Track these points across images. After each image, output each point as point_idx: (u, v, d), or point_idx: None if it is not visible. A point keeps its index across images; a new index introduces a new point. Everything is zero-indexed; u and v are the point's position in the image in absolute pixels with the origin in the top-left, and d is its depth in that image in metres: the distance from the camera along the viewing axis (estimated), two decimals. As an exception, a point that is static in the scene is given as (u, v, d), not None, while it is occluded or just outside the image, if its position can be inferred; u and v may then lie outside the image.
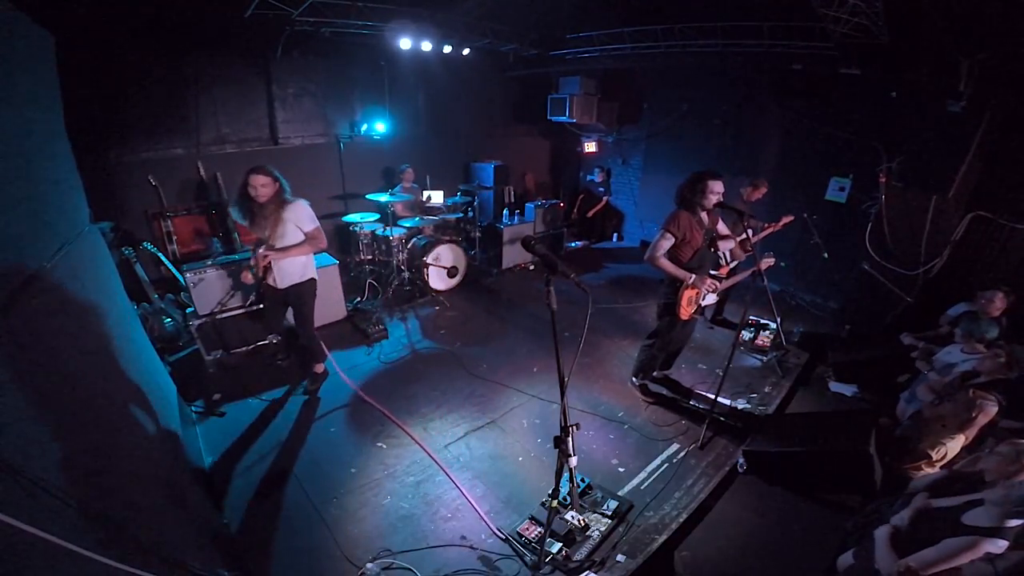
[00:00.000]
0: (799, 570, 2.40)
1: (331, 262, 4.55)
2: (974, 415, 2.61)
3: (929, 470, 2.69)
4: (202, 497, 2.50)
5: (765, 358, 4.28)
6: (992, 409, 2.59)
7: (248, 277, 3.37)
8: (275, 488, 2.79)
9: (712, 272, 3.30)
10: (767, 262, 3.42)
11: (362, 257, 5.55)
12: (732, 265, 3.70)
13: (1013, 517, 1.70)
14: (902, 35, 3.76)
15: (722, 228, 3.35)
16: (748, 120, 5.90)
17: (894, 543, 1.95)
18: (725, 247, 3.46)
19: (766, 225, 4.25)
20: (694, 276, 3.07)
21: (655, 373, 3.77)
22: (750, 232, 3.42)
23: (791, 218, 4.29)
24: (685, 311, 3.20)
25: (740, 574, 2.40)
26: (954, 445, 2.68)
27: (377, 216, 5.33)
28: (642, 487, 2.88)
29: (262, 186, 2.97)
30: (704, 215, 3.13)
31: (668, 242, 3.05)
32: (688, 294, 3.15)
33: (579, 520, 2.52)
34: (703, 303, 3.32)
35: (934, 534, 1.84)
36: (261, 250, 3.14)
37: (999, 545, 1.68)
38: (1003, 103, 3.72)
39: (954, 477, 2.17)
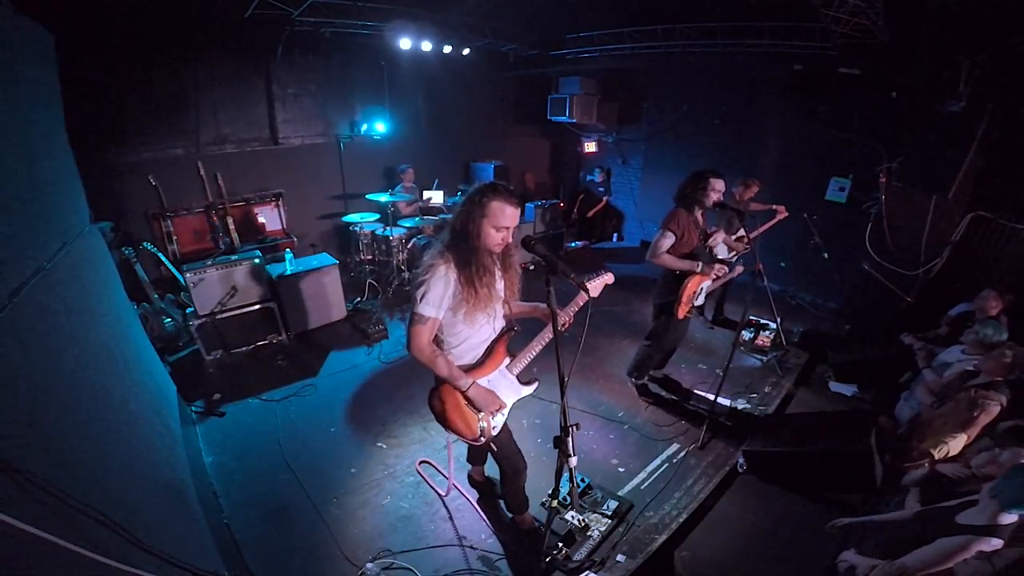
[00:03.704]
0: (799, 570, 2.39)
1: (331, 262, 4.55)
2: (976, 415, 2.60)
3: (932, 469, 2.69)
4: (202, 497, 2.50)
5: (765, 358, 4.27)
6: (995, 408, 2.58)
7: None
8: (275, 488, 2.79)
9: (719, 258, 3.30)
10: (737, 270, 3.55)
11: (362, 257, 5.55)
12: (733, 259, 3.71)
13: (1002, 510, 1.69)
14: (902, 35, 3.77)
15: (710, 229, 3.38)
16: (748, 120, 5.89)
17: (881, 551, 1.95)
18: (716, 240, 3.47)
19: (760, 227, 4.28)
20: (701, 264, 3.07)
21: (652, 372, 3.77)
22: (746, 228, 3.45)
23: (784, 211, 4.30)
24: (683, 309, 3.20)
25: (740, 574, 2.40)
26: (956, 444, 2.67)
27: (377, 216, 5.33)
28: (642, 487, 2.88)
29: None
30: (699, 215, 3.14)
31: (669, 240, 3.04)
32: (690, 291, 3.14)
33: (579, 520, 2.53)
34: (696, 303, 3.32)
35: (928, 535, 1.84)
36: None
37: (992, 544, 1.66)
38: (1003, 103, 3.71)
39: (939, 475, 2.19)
